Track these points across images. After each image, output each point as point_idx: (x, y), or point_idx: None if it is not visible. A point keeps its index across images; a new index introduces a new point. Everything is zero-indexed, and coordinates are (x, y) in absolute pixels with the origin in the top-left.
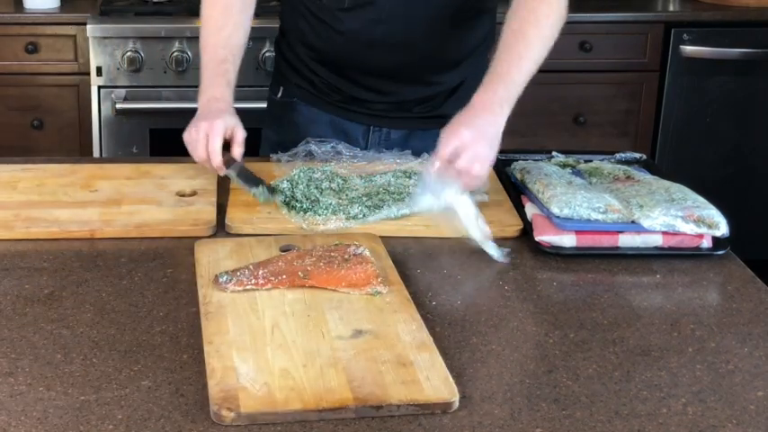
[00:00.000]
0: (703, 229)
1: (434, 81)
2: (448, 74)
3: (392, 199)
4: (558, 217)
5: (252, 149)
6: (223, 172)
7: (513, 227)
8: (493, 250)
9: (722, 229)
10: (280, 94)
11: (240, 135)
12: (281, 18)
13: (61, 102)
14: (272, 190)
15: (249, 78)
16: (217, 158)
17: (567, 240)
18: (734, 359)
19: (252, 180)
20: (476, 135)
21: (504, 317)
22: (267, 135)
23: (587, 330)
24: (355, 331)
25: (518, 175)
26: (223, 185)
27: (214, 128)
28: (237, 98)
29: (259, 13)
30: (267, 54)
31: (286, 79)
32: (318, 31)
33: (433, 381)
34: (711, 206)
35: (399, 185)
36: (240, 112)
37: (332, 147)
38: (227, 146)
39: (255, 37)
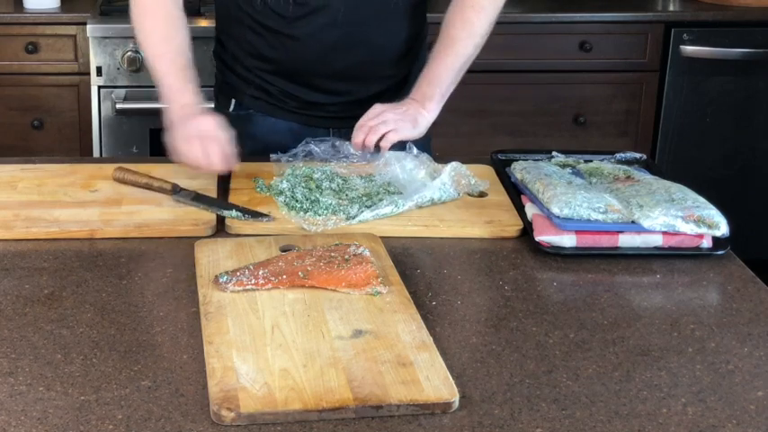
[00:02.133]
0: (703, 229)
1: (387, 75)
2: (397, 66)
3: (392, 198)
4: (558, 217)
5: None
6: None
7: (513, 227)
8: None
9: (722, 229)
10: (232, 107)
11: (224, 135)
12: (217, 30)
13: (61, 102)
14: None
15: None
16: (216, 161)
17: (567, 240)
18: (734, 359)
19: (210, 201)
20: (387, 108)
21: (504, 317)
22: None
23: (587, 330)
24: (355, 331)
25: (518, 175)
26: (223, 184)
27: (200, 125)
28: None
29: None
30: None
31: (238, 91)
32: (271, 42)
33: (432, 381)
34: (711, 206)
35: (399, 185)
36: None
37: (331, 145)
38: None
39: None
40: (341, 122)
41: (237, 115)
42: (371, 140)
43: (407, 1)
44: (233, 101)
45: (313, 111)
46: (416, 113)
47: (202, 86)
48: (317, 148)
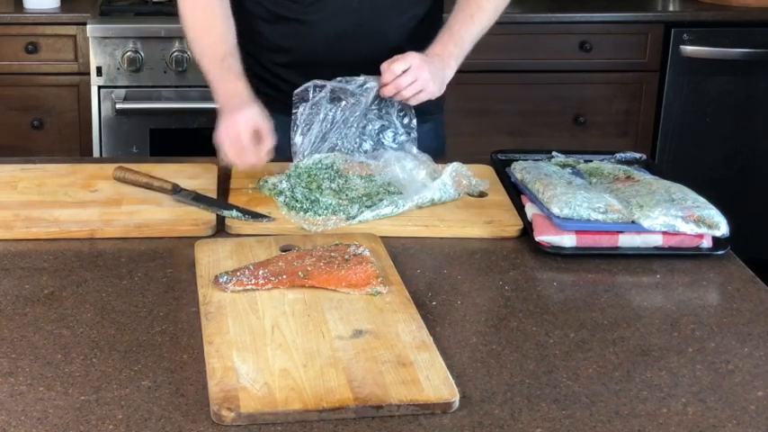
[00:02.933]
0: (703, 229)
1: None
2: None
3: (392, 198)
4: (558, 217)
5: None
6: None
7: (513, 227)
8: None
9: (722, 229)
10: None
11: (266, 126)
12: None
13: (61, 102)
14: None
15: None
16: (248, 155)
17: (567, 240)
18: (734, 359)
19: (210, 201)
20: (424, 62)
21: (504, 317)
22: None
23: (587, 330)
24: (355, 331)
25: (518, 175)
26: (223, 184)
27: (237, 123)
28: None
29: None
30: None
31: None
32: (283, 31)
33: (433, 381)
34: (711, 206)
35: (399, 185)
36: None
37: (359, 85)
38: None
39: None
40: None
41: None
42: (404, 97)
43: None
44: None
45: None
46: (443, 72)
47: (208, 86)
48: (346, 86)
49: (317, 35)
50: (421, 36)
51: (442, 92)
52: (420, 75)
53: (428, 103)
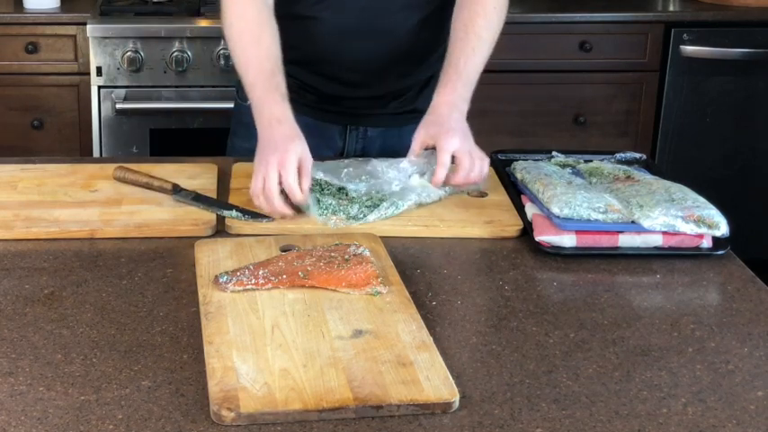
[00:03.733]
0: (703, 229)
1: (407, 73)
2: (420, 66)
3: (392, 200)
4: (558, 217)
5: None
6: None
7: (513, 227)
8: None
9: (722, 229)
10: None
11: (308, 165)
12: None
13: (61, 102)
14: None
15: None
16: (297, 194)
17: (567, 240)
18: (734, 359)
19: (210, 201)
20: (464, 136)
21: (504, 317)
22: (235, 143)
23: (587, 330)
24: (355, 331)
25: (518, 175)
26: (223, 184)
27: (287, 163)
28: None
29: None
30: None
31: None
32: (289, 27)
33: (433, 381)
34: (711, 206)
35: (399, 185)
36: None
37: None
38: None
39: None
40: (357, 119)
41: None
42: (472, 179)
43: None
44: None
45: (330, 105)
46: (464, 125)
47: (208, 86)
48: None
49: (323, 32)
50: (428, 35)
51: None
52: (472, 151)
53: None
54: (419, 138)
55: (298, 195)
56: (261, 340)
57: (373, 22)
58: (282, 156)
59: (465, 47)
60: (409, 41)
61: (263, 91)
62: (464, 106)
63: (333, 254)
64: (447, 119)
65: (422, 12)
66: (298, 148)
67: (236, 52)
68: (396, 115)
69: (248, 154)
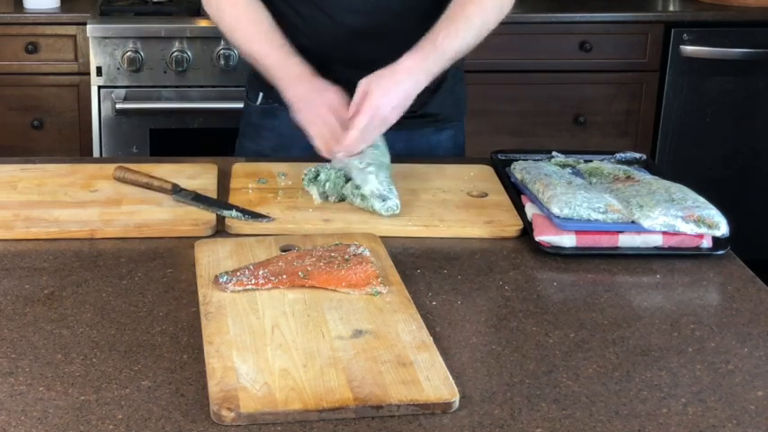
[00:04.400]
0: (703, 229)
1: None
2: None
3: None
4: (558, 217)
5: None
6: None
7: (513, 227)
8: (378, 205)
9: (722, 229)
10: (259, 101)
11: (345, 103)
12: None
13: (61, 102)
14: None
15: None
16: (359, 123)
17: (567, 240)
18: (734, 359)
19: (210, 201)
20: (389, 88)
21: (504, 317)
22: (244, 144)
23: (587, 330)
24: (355, 331)
25: (518, 175)
26: (223, 184)
27: (335, 105)
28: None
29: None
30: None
31: (265, 85)
32: (297, 24)
33: (433, 381)
34: (711, 206)
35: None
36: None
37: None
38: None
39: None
40: None
41: (263, 109)
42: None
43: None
44: (261, 94)
45: None
46: (399, 87)
47: (208, 86)
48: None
49: (336, 30)
50: None
51: (404, 107)
52: (367, 93)
53: (447, 111)
54: (360, 87)
55: (359, 124)
56: (261, 340)
57: (382, 24)
58: (327, 101)
59: (449, 26)
60: (416, 40)
61: (279, 57)
62: (423, 77)
63: (333, 254)
64: (392, 74)
65: (427, 15)
66: (335, 94)
67: (237, 33)
68: (407, 119)
69: (255, 155)
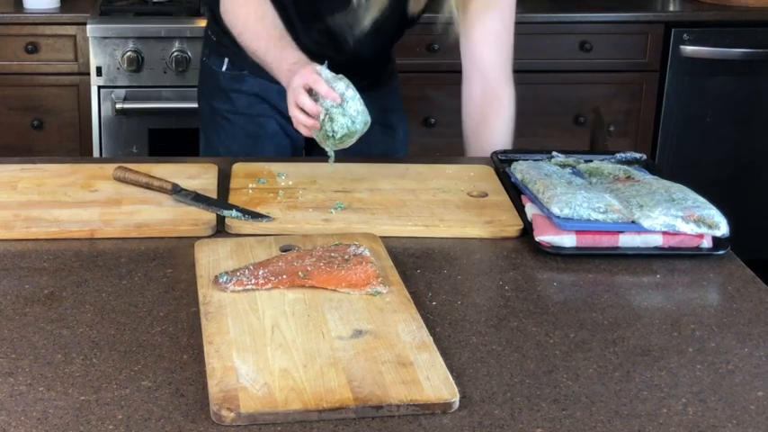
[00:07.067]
0: (703, 229)
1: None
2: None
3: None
4: (558, 217)
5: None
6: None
7: (513, 227)
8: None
9: (722, 229)
10: (225, 67)
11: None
12: None
13: (61, 102)
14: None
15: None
16: (333, 94)
17: (567, 240)
18: (734, 359)
19: (210, 201)
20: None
21: (504, 317)
22: (215, 106)
23: (587, 330)
24: (355, 331)
25: (518, 175)
26: (223, 184)
27: (308, 79)
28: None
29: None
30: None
31: (232, 52)
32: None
33: (433, 381)
34: (711, 206)
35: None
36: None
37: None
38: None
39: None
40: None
41: (231, 75)
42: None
43: (399, 35)
44: (226, 60)
45: None
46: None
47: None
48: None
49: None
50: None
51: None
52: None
53: (372, 80)
54: None
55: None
56: (261, 340)
57: (362, 57)
58: (301, 78)
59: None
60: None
61: (278, 50)
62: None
63: (333, 254)
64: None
65: (390, 45)
66: (312, 67)
67: (243, 30)
68: (370, 80)
69: (227, 114)
